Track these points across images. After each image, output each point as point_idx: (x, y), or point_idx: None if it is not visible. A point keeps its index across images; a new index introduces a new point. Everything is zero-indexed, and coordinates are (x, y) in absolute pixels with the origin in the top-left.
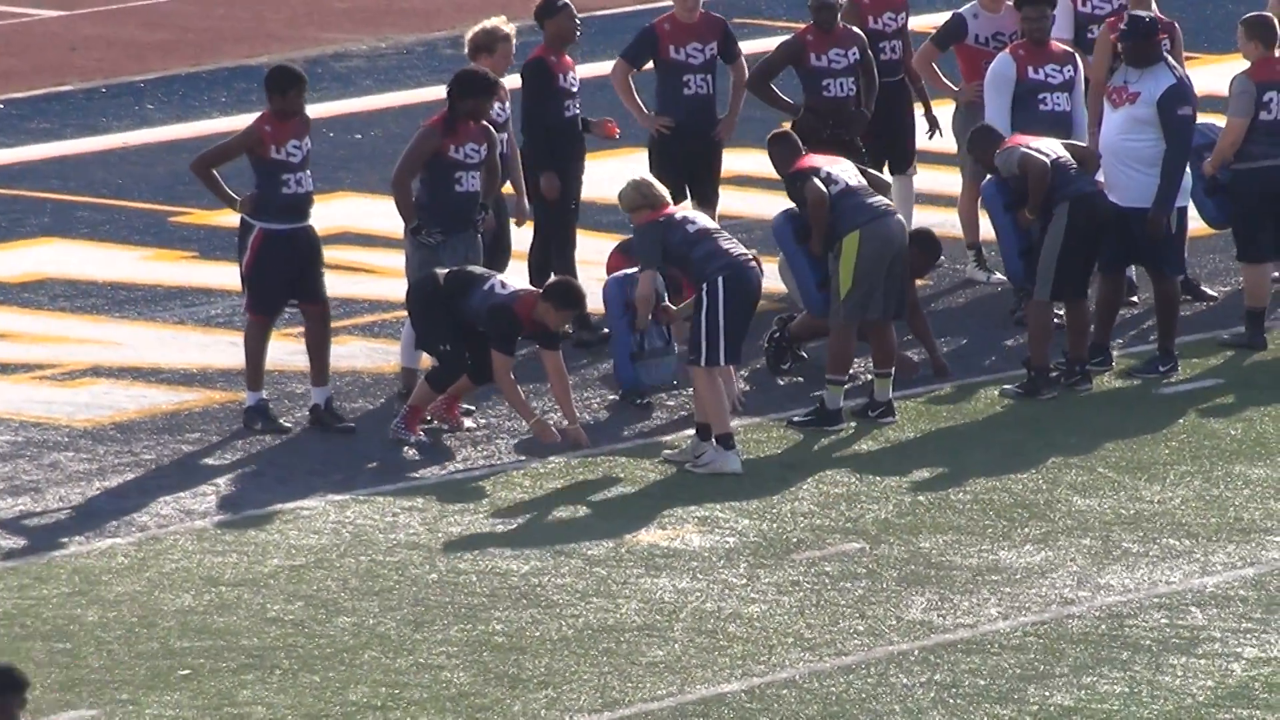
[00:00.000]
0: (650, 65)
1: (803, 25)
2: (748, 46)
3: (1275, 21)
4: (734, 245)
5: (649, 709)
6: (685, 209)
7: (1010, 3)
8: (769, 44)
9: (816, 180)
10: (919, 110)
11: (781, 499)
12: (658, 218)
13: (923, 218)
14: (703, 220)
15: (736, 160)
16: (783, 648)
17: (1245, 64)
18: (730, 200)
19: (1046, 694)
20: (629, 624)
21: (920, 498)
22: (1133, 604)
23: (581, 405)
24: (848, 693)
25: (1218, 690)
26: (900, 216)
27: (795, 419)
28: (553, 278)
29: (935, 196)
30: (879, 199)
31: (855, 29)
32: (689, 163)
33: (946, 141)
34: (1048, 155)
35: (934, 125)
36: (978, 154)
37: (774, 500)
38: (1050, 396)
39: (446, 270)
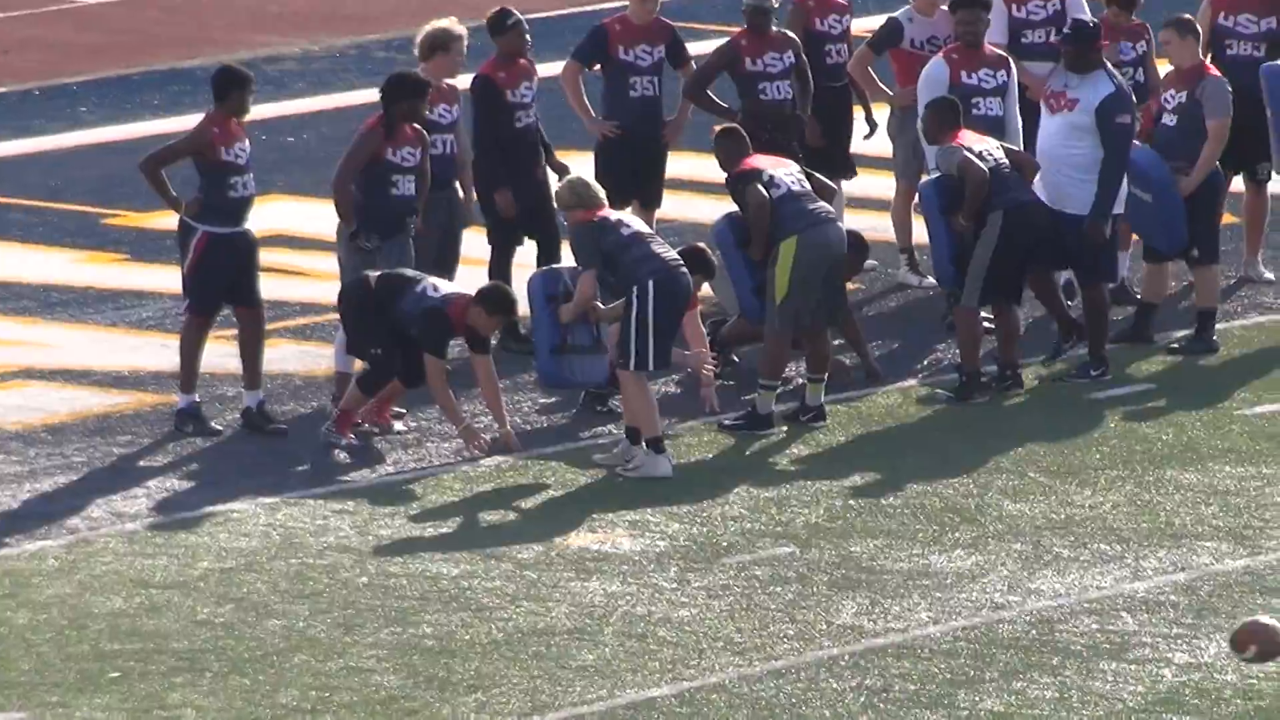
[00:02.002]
0: (598, 67)
1: (738, 29)
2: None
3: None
4: (666, 250)
5: (579, 713)
6: (620, 212)
7: (945, 7)
8: (705, 48)
9: (758, 185)
10: (858, 114)
11: (712, 503)
12: (592, 218)
13: (856, 221)
14: (636, 224)
15: (680, 164)
16: (712, 652)
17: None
18: (670, 204)
19: (977, 699)
20: (559, 628)
21: (851, 502)
22: (1063, 609)
23: (512, 408)
24: (777, 697)
25: (1148, 696)
26: (840, 224)
27: (726, 423)
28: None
29: (868, 200)
30: (819, 205)
31: (790, 33)
32: (635, 165)
33: (880, 145)
34: (987, 162)
35: (874, 127)
36: (927, 124)
37: (704, 504)
38: (981, 401)
39: (378, 273)
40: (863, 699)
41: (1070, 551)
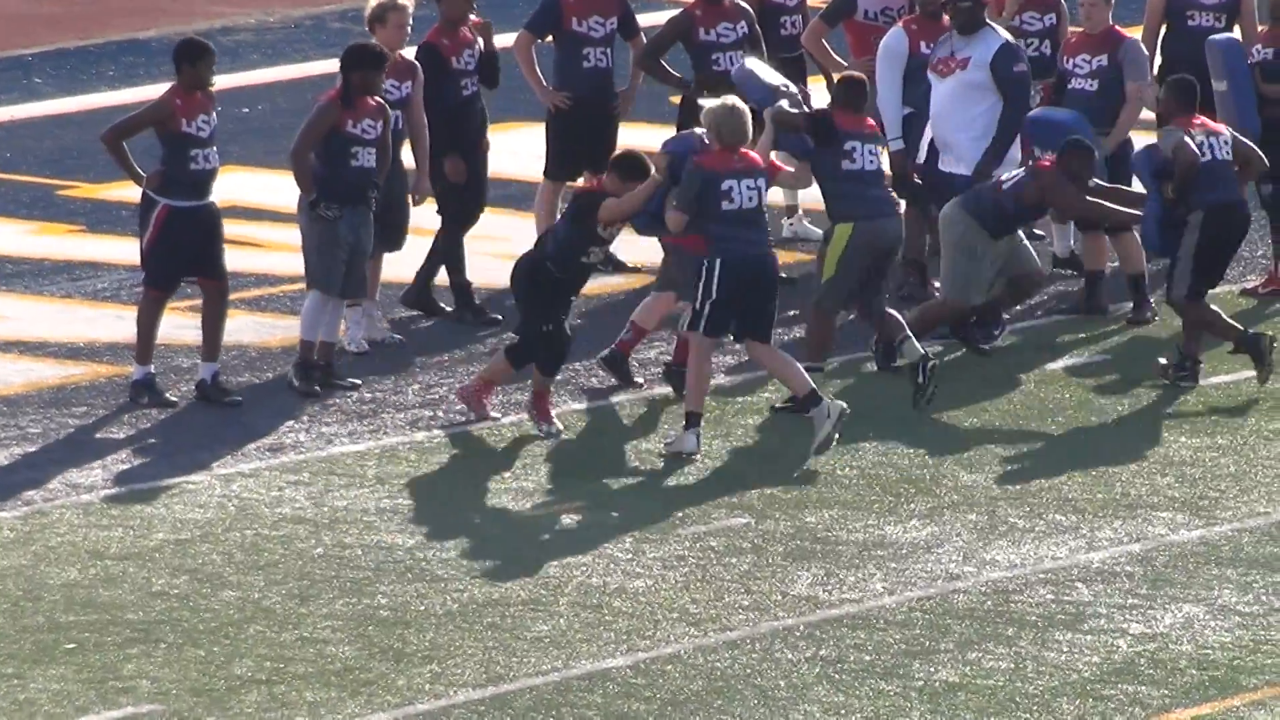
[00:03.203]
0: (550, 38)
1: (691, 0)
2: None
3: None
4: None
5: (534, 684)
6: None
7: None
8: (658, 19)
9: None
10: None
11: (667, 473)
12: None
13: (808, 193)
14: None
15: (632, 135)
16: (668, 623)
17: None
18: None
19: (932, 669)
20: (514, 598)
21: (807, 472)
22: (1018, 580)
23: (467, 379)
24: (733, 668)
25: (1103, 666)
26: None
27: (776, 406)
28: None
29: None
30: (887, 195)
31: (743, 4)
32: (586, 136)
33: None
34: (1204, 155)
35: None
36: (1163, 102)
37: (660, 475)
38: (1189, 385)
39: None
40: (818, 669)
41: (1025, 522)
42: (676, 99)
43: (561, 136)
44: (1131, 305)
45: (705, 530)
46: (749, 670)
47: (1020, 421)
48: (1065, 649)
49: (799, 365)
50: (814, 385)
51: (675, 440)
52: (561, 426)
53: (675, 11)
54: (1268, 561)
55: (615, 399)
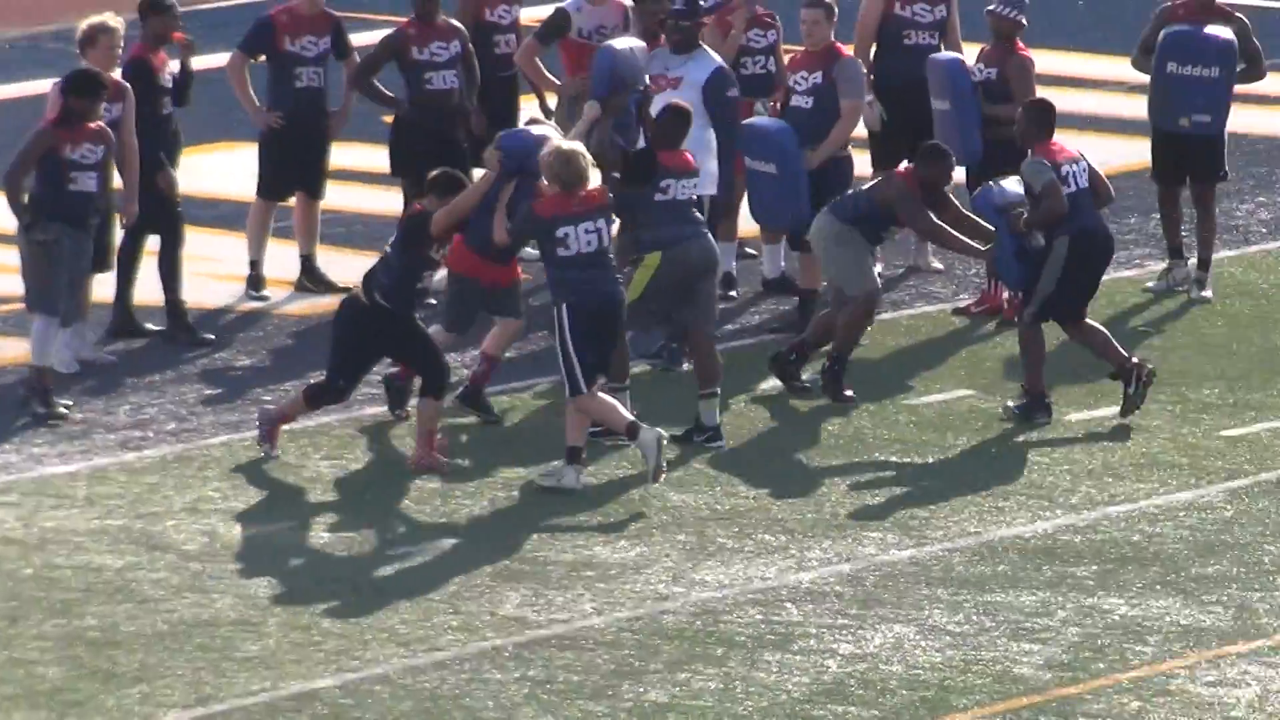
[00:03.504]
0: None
1: (405, 19)
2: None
3: None
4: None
5: (243, 704)
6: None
7: None
8: (371, 38)
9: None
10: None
11: (375, 494)
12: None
13: None
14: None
15: (344, 155)
16: (377, 643)
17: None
18: (335, 195)
19: (641, 690)
20: (223, 619)
21: (515, 493)
22: (728, 600)
23: (176, 399)
24: (441, 688)
25: (813, 687)
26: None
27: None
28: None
29: None
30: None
31: (456, 22)
32: (299, 156)
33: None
34: (1069, 186)
35: (549, 116)
36: (1021, 124)
37: (368, 495)
38: (1043, 421)
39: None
40: (526, 690)
41: (735, 542)
42: (389, 118)
43: (274, 156)
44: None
45: (414, 551)
46: (457, 691)
47: (729, 441)
48: (775, 669)
49: (613, 402)
50: (631, 418)
51: (553, 473)
52: (279, 452)
53: (388, 31)
54: (978, 581)
55: (319, 420)
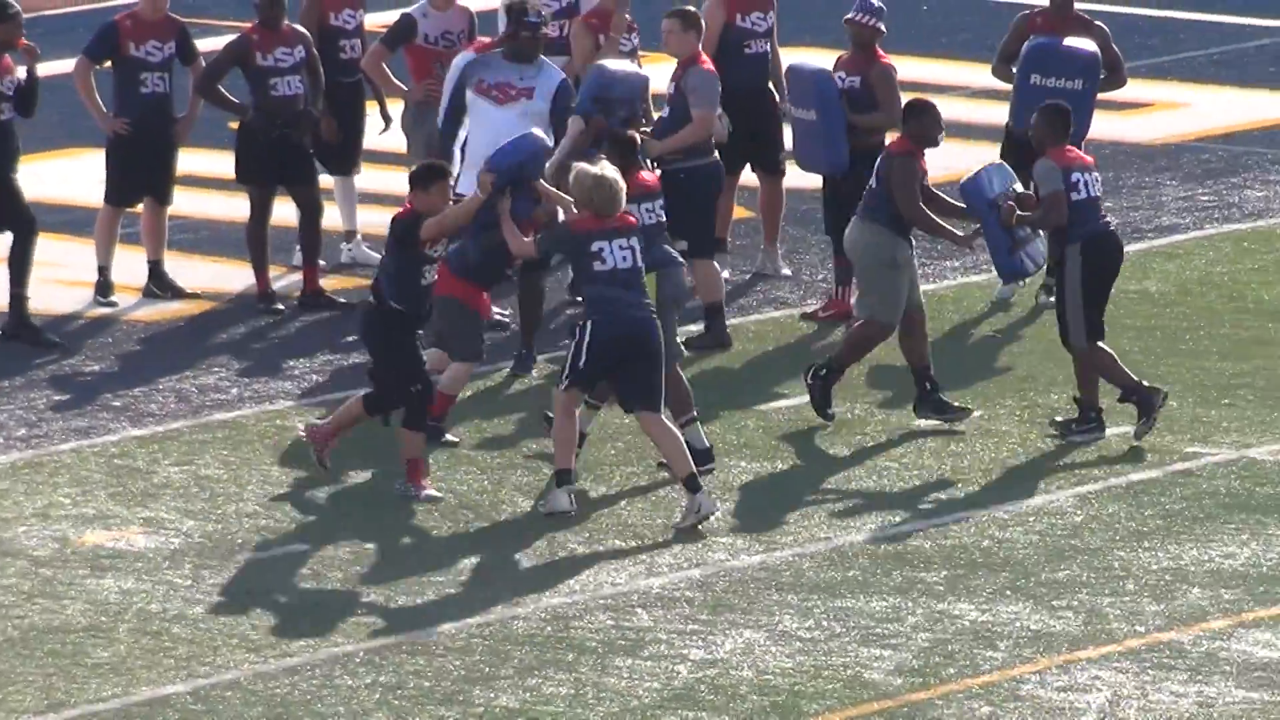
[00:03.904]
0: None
1: (249, 24)
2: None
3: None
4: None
5: (94, 710)
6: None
7: (460, 2)
8: (216, 43)
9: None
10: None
11: (226, 500)
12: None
13: (369, 216)
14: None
15: (191, 160)
16: (227, 649)
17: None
18: (182, 201)
19: (492, 696)
20: (74, 625)
21: (365, 499)
22: (578, 606)
23: (26, 405)
24: (292, 694)
25: (663, 692)
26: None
27: (664, 461)
28: None
29: (384, 196)
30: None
31: (301, 28)
32: (146, 161)
33: (394, 140)
34: (1080, 193)
35: (388, 122)
36: (1037, 130)
37: (219, 501)
38: (1097, 437)
39: None
40: (377, 695)
41: (585, 548)
42: (235, 124)
43: (121, 162)
44: (704, 328)
45: (265, 556)
46: (309, 696)
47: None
48: (625, 675)
49: (684, 445)
50: (693, 470)
51: (548, 499)
52: (439, 494)
53: (233, 36)
54: (828, 587)
55: (168, 426)
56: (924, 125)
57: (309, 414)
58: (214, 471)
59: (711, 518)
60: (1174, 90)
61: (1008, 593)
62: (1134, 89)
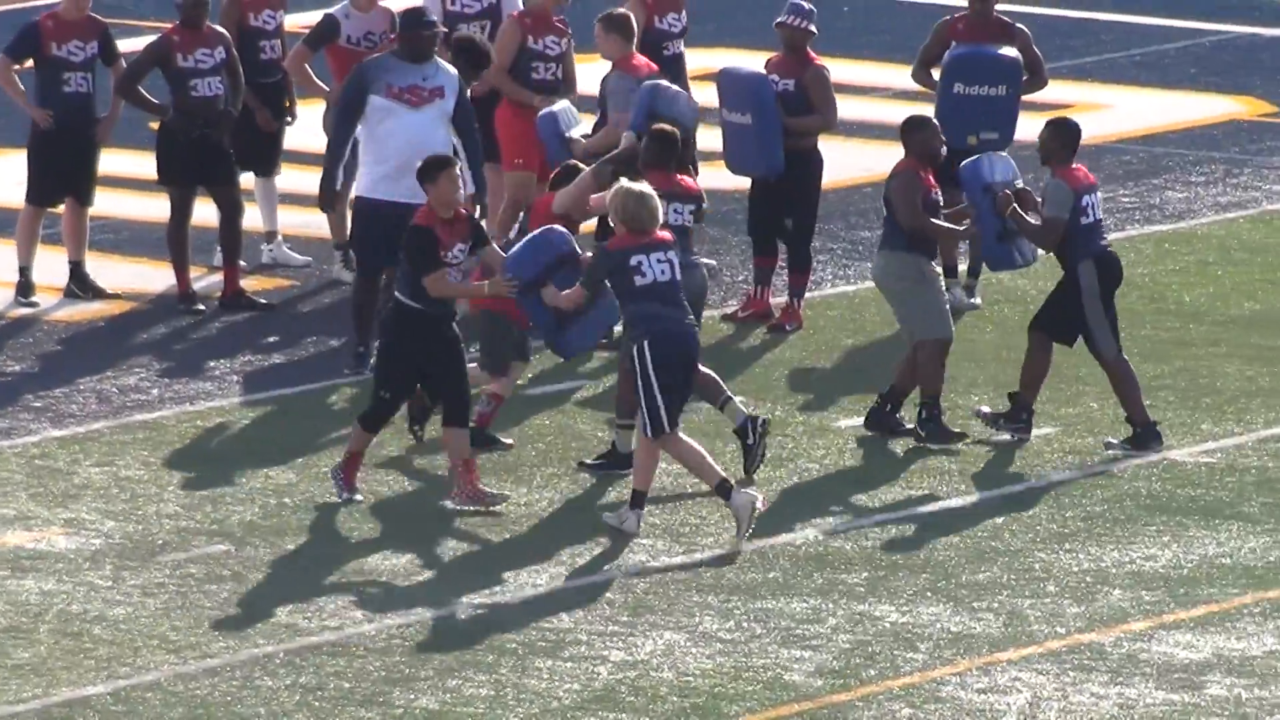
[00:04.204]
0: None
1: (170, 25)
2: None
3: (632, 19)
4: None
5: (14, 711)
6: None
7: (382, 4)
8: (137, 44)
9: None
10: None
11: (147, 500)
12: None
13: (288, 218)
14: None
15: (113, 161)
16: (148, 650)
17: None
18: (104, 202)
19: (412, 697)
20: None
21: (286, 500)
22: (498, 607)
23: None
24: (213, 695)
25: (583, 694)
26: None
27: (587, 462)
28: None
29: (302, 196)
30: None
31: (221, 28)
32: (68, 161)
33: (315, 141)
34: (1088, 217)
35: (293, 118)
36: (1047, 142)
37: (139, 502)
38: (1158, 451)
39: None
40: (298, 697)
41: (506, 549)
42: (155, 125)
43: (43, 162)
44: None
45: (185, 557)
46: (229, 698)
47: (498, 447)
48: (545, 676)
49: (703, 451)
50: (723, 475)
51: (616, 516)
52: (360, 497)
53: (154, 37)
54: (749, 588)
55: (89, 426)
56: (925, 140)
57: (230, 414)
58: (135, 472)
59: (754, 506)
60: (1095, 92)
61: (928, 594)
62: (1055, 90)
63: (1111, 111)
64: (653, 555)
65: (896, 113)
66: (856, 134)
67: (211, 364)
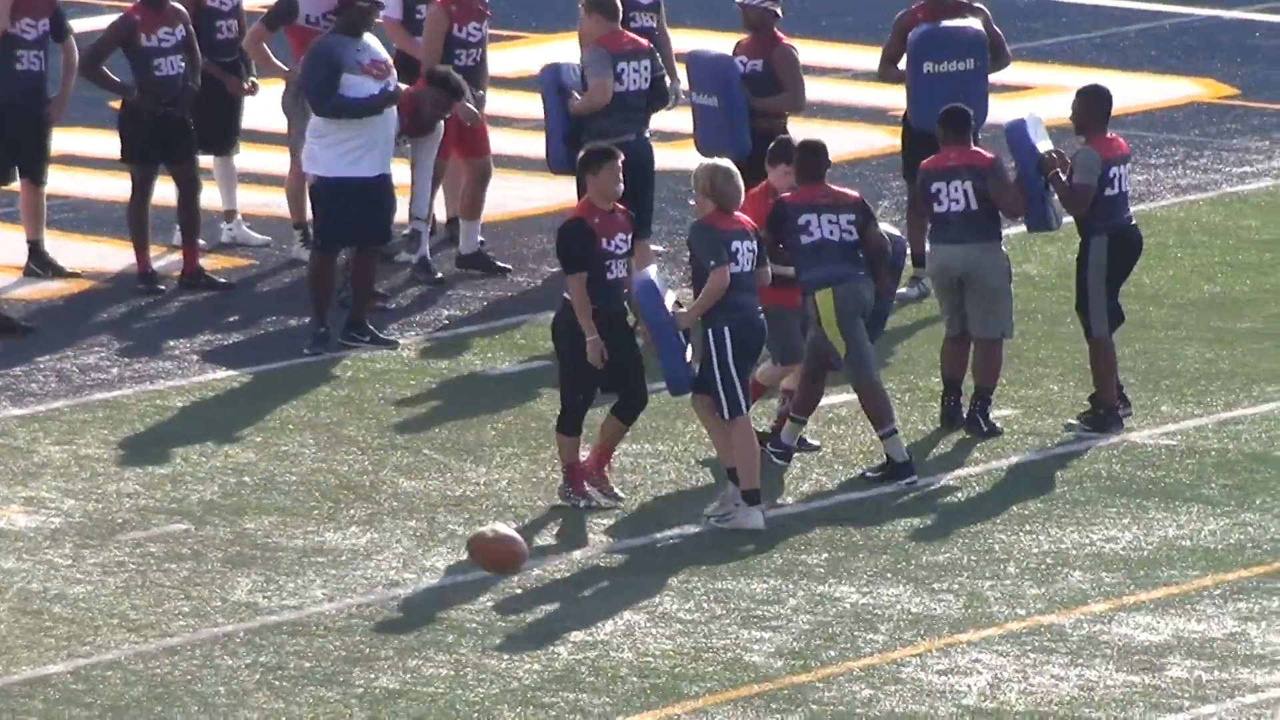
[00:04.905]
0: None
1: (131, 4)
2: (75, 25)
3: None
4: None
5: None
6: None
7: None
8: (94, 23)
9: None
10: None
11: (107, 479)
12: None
13: (248, 197)
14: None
15: (67, 140)
16: (108, 629)
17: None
18: (63, 181)
19: (372, 676)
20: None
21: (245, 479)
22: (459, 587)
23: None
24: (172, 674)
25: (544, 674)
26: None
27: (867, 475)
28: None
29: (261, 176)
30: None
31: (179, 6)
32: (19, 140)
33: (273, 120)
34: (1113, 188)
35: (254, 87)
36: (1079, 111)
37: (99, 481)
38: (1116, 434)
39: None
40: (258, 676)
41: (465, 529)
42: (117, 104)
43: None
44: None
45: (145, 536)
46: (189, 676)
47: (459, 428)
48: (505, 656)
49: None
50: (757, 485)
51: (728, 514)
52: (596, 502)
53: (116, 17)
54: (709, 568)
55: (49, 405)
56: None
57: (190, 394)
58: (95, 451)
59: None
60: (1055, 74)
61: (888, 575)
62: (1015, 72)
63: (1071, 94)
64: (612, 535)
65: (858, 94)
66: (818, 115)
67: (171, 343)
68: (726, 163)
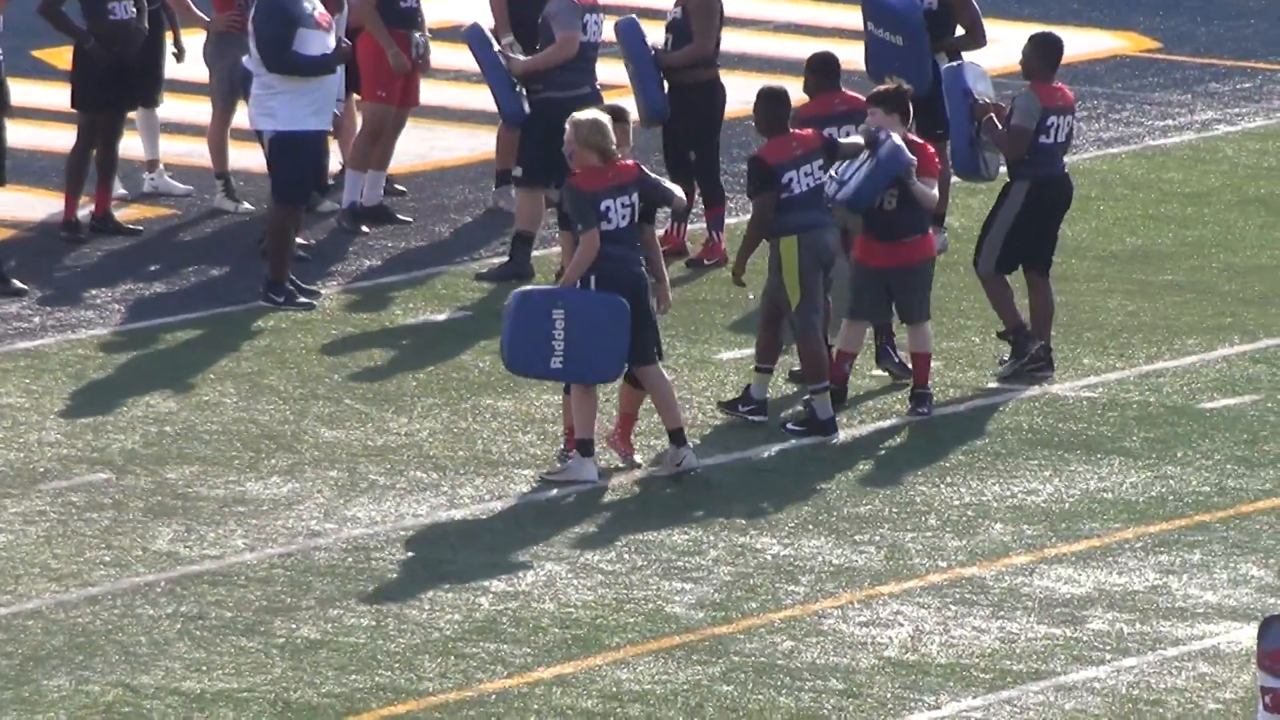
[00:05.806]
0: None
1: None
2: None
3: None
4: None
5: None
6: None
7: None
8: None
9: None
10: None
11: (28, 428)
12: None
13: (172, 146)
14: None
15: (21, 91)
16: (29, 578)
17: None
18: (14, 134)
19: (293, 626)
20: None
21: (167, 428)
22: (379, 537)
23: None
24: (94, 624)
25: (465, 624)
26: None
27: (788, 427)
28: None
29: (184, 126)
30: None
31: None
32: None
33: (196, 70)
34: (1050, 136)
35: (181, 52)
36: (1027, 58)
37: (21, 430)
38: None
39: None
40: (179, 626)
41: (386, 479)
42: (70, 50)
43: None
44: (509, 257)
45: (66, 485)
46: (110, 626)
47: (381, 378)
48: (427, 607)
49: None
50: (681, 424)
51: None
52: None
53: None
54: (631, 519)
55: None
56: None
57: (111, 343)
58: (16, 400)
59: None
60: None
61: (810, 527)
62: None
63: (994, 47)
64: (534, 486)
65: (782, 46)
66: (738, 66)
67: (93, 292)
68: (595, 113)
